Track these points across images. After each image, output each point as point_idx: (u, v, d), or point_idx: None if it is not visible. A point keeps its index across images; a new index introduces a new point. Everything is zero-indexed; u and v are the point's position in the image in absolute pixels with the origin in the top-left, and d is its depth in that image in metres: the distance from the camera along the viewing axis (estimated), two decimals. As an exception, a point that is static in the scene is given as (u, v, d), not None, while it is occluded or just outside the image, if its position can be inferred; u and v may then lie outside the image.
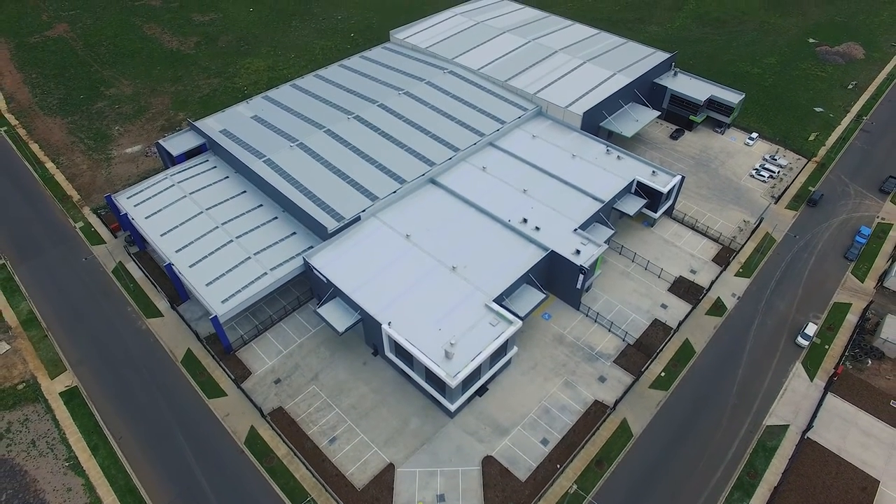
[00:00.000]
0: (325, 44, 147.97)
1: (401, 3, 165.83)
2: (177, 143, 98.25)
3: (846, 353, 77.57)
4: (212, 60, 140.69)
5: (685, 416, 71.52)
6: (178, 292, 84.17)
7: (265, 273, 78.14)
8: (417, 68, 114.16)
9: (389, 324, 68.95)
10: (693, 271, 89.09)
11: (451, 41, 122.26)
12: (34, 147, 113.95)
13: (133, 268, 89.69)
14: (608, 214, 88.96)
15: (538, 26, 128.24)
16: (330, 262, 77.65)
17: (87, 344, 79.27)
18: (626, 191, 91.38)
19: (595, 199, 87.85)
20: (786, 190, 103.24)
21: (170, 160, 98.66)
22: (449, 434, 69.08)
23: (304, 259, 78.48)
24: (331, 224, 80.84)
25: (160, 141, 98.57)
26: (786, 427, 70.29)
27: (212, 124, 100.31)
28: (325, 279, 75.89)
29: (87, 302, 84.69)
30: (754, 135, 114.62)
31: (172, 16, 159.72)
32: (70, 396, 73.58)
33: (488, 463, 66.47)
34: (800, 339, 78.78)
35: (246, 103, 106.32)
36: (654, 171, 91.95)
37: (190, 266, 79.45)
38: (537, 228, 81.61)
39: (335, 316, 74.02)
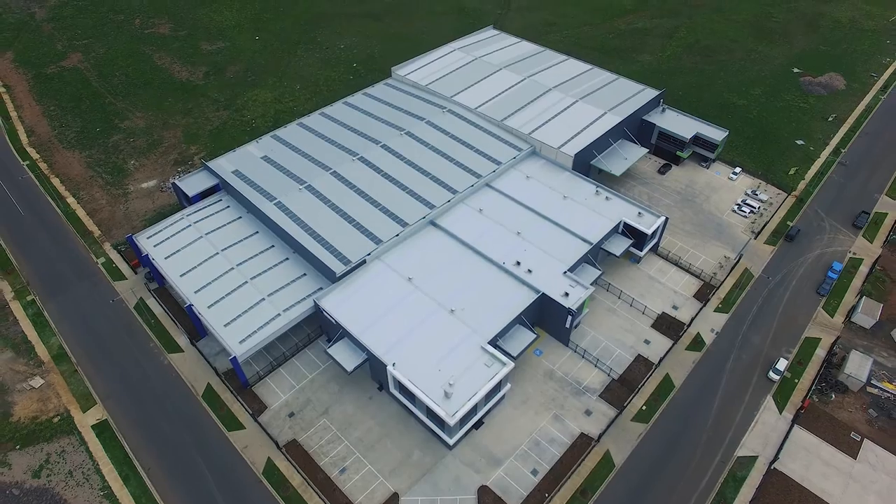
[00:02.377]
0: (329, 74, 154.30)
1: (401, 33, 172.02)
2: (192, 184, 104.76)
3: (813, 388, 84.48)
4: (220, 91, 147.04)
5: (663, 448, 78.44)
6: (196, 329, 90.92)
7: (279, 314, 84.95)
8: (418, 107, 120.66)
9: (394, 365, 75.76)
10: (675, 307, 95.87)
11: (449, 78, 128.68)
12: (55, 181, 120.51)
13: (153, 303, 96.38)
14: (596, 255, 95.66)
15: (533, 62, 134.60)
16: (338, 305, 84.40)
17: (115, 378, 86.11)
18: (614, 231, 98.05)
19: (584, 240, 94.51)
20: (765, 225, 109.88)
21: (185, 199, 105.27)
22: (448, 465, 75.99)
23: (314, 301, 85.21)
24: (339, 268, 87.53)
25: (176, 181, 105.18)
26: (755, 458, 77.26)
27: (224, 164, 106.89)
28: (334, 321, 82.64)
29: (113, 337, 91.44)
30: (738, 169, 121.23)
31: (181, 44, 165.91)
32: (101, 429, 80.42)
33: (484, 492, 73.44)
34: (771, 374, 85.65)
35: (256, 143, 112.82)
36: (640, 213, 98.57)
37: (209, 307, 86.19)
38: (529, 271, 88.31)
39: (344, 355, 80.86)
